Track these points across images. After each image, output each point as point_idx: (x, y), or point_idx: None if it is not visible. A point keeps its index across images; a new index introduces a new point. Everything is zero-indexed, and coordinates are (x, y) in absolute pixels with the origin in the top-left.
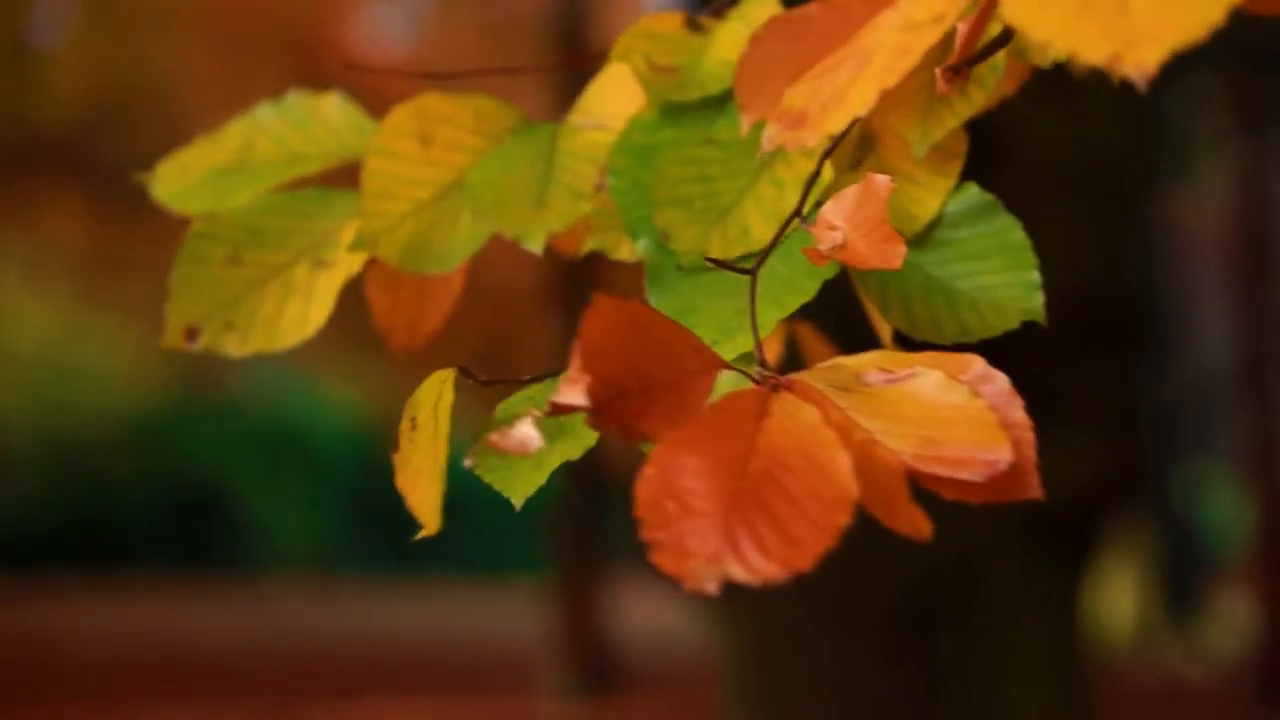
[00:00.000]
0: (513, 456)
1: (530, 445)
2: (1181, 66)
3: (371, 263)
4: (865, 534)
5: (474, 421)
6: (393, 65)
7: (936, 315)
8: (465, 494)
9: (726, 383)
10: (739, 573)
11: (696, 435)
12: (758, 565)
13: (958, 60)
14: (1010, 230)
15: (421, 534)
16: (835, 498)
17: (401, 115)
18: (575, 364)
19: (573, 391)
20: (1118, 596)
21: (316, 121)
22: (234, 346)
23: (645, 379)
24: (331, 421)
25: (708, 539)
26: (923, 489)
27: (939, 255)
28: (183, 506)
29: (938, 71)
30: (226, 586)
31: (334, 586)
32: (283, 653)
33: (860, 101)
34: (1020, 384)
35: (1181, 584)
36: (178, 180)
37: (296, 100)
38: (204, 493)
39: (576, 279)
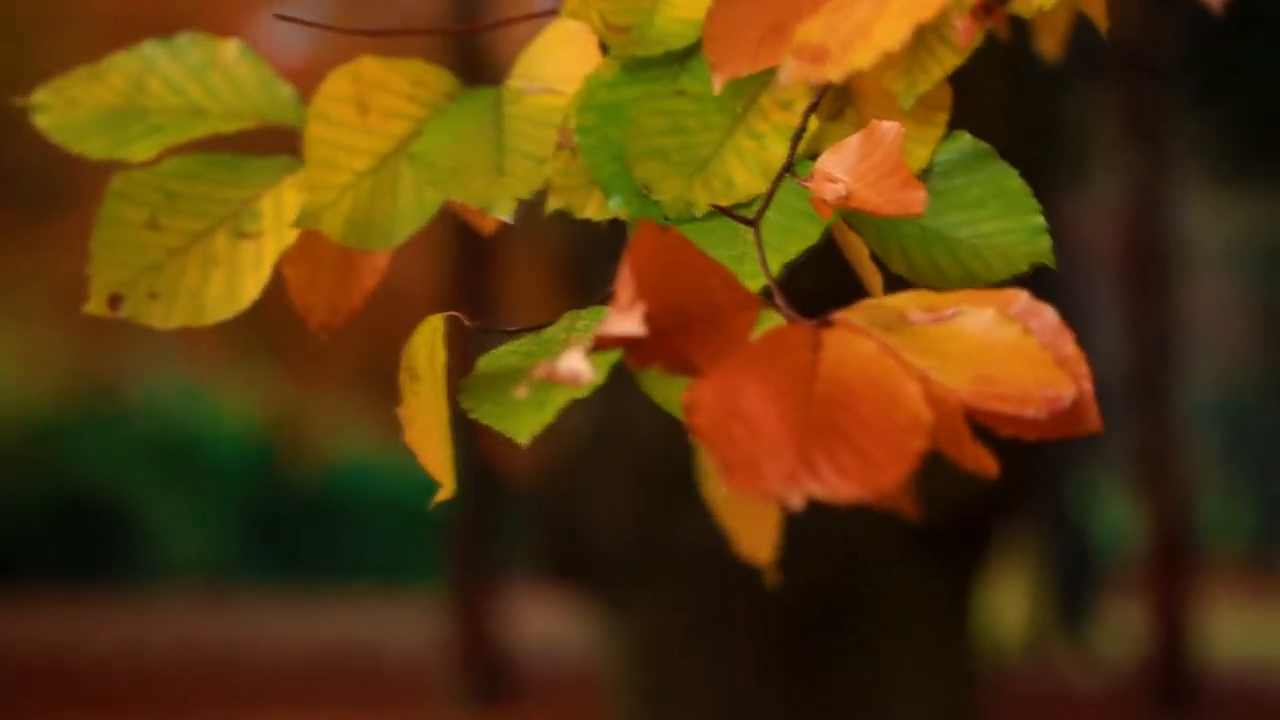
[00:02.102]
0: (513, 399)
1: (583, 377)
2: (1076, 74)
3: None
4: None
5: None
6: (291, 67)
7: (938, 263)
8: (359, 502)
9: (765, 322)
10: (819, 491)
11: (752, 364)
12: (837, 485)
13: None
14: (1006, 177)
15: (439, 497)
16: (909, 423)
17: (339, 79)
18: (627, 291)
19: (626, 321)
20: (1010, 603)
21: (216, 71)
22: (159, 317)
23: (683, 314)
24: (225, 430)
25: (782, 459)
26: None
27: (933, 205)
28: (73, 515)
29: (971, 10)
30: (117, 596)
31: (227, 596)
32: (175, 663)
33: (890, 37)
34: None
35: (1073, 590)
36: (65, 114)
37: (191, 42)
38: (95, 502)
39: (470, 282)
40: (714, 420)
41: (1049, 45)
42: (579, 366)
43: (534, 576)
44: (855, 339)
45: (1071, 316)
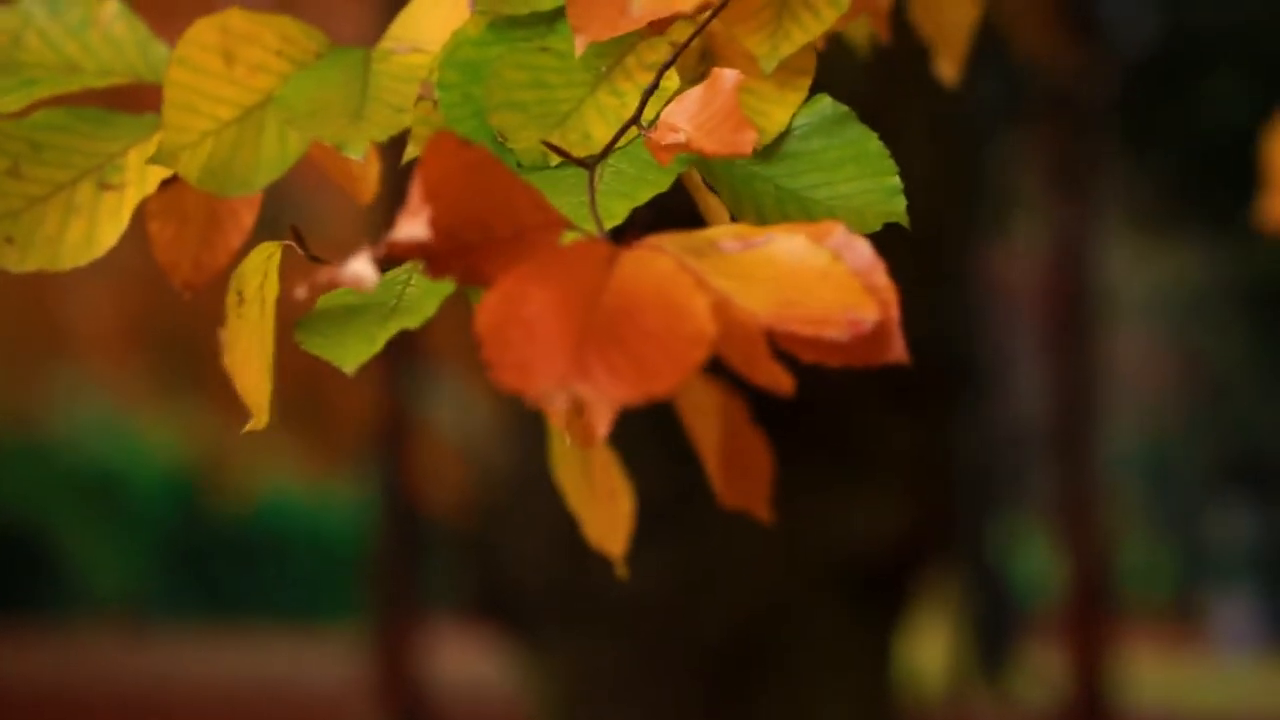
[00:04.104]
0: (343, 328)
1: (366, 281)
2: (999, 122)
3: (154, 193)
4: (676, 587)
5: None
6: None
7: (791, 221)
8: (282, 538)
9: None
10: (589, 392)
11: (543, 272)
12: (607, 387)
13: None
14: (865, 140)
15: (249, 426)
16: (691, 334)
17: (204, 28)
18: (415, 197)
19: (413, 225)
20: (930, 648)
21: (94, 28)
22: (13, 261)
23: (485, 230)
24: (148, 463)
25: (555, 361)
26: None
27: (789, 167)
28: None
29: None
30: (37, 629)
31: (147, 631)
32: (95, 697)
33: None
34: (833, 438)
35: (993, 636)
36: None
37: (71, 0)
38: (15, 534)
39: None
40: (494, 324)
41: (947, 68)
42: (363, 270)
43: (457, 614)
44: (653, 257)
45: (994, 362)
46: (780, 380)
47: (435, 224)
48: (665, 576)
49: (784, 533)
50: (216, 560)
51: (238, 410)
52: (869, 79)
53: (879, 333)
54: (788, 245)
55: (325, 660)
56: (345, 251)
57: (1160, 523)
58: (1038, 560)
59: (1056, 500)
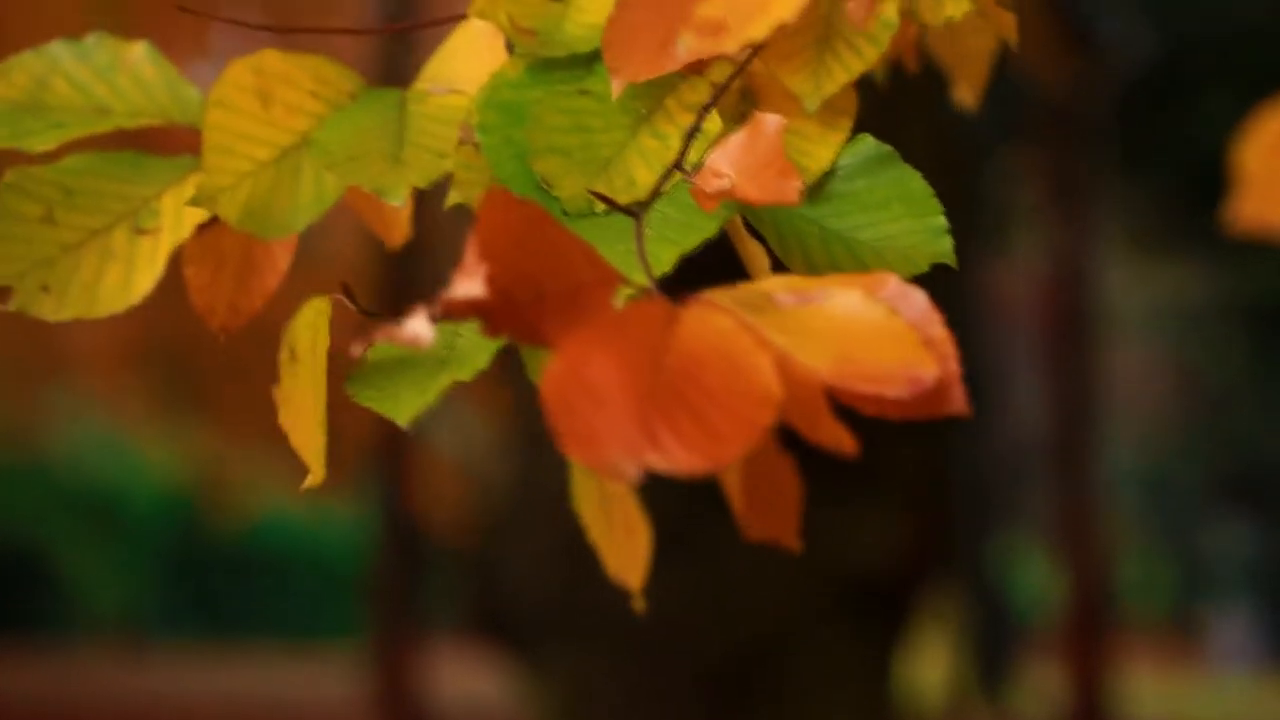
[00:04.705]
0: (396, 381)
1: (423, 339)
2: (998, 139)
3: (191, 237)
4: (677, 604)
5: None
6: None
7: (838, 264)
8: (281, 557)
9: (626, 298)
10: (659, 462)
11: (604, 336)
12: (677, 455)
13: None
14: (910, 179)
15: (307, 483)
16: (758, 396)
17: (240, 69)
18: (471, 255)
19: (469, 283)
20: (930, 665)
21: (122, 71)
22: (50, 310)
23: (539, 287)
24: (146, 482)
25: (623, 430)
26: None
27: (834, 208)
28: None
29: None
30: (35, 649)
31: (146, 651)
32: (92, 717)
33: (785, 7)
34: (834, 455)
35: (992, 653)
36: None
37: (98, 44)
38: (13, 553)
39: None
40: (560, 393)
41: (966, 94)
42: (420, 329)
43: (457, 632)
44: (713, 315)
45: (993, 379)
46: (843, 439)
47: (493, 276)
48: (666, 593)
49: (786, 549)
50: (216, 579)
51: (237, 429)
52: (869, 98)
53: (940, 387)
54: (844, 299)
55: (325, 679)
56: (351, 269)
57: (1158, 538)
58: (1037, 576)
59: (1055, 516)
